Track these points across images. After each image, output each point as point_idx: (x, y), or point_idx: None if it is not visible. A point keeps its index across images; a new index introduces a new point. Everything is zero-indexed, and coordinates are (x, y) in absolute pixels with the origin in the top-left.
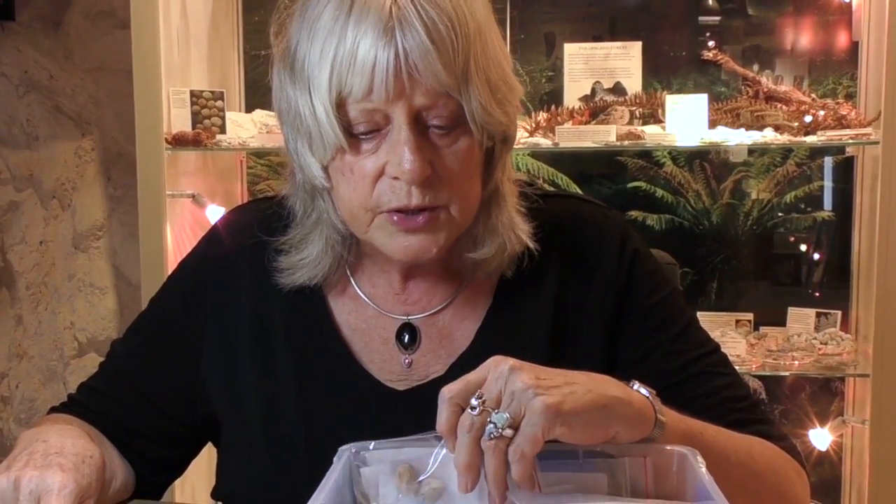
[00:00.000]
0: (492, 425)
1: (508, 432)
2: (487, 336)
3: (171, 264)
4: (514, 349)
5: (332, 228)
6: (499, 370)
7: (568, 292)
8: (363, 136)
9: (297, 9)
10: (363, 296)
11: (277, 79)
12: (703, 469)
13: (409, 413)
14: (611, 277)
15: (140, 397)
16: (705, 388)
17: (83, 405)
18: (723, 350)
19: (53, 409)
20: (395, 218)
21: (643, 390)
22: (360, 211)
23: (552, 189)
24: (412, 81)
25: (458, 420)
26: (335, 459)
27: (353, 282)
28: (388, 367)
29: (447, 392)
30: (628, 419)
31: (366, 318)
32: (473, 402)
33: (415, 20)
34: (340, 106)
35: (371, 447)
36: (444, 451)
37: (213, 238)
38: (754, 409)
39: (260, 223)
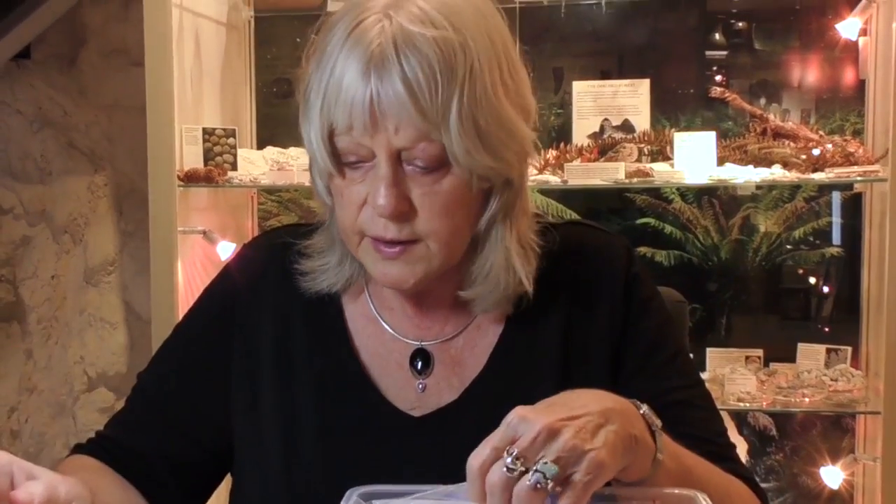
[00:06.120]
0: (539, 475)
1: (550, 485)
2: (499, 363)
3: (182, 300)
4: (525, 377)
5: None
6: (528, 426)
7: (576, 320)
8: (352, 166)
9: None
10: (380, 319)
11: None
12: None
13: (425, 441)
14: (617, 304)
15: (169, 425)
16: (683, 418)
17: (110, 440)
18: (706, 387)
19: (78, 446)
20: (377, 245)
21: (653, 421)
22: (349, 233)
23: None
24: (387, 123)
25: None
26: (343, 501)
27: (371, 304)
28: (404, 393)
29: (477, 462)
30: (641, 459)
31: (383, 341)
32: (509, 462)
33: (392, 67)
34: (332, 135)
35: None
36: None
37: (238, 263)
38: (727, 448)
39: (288, 231)
